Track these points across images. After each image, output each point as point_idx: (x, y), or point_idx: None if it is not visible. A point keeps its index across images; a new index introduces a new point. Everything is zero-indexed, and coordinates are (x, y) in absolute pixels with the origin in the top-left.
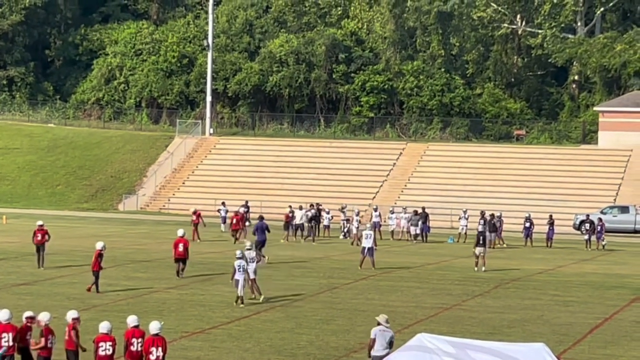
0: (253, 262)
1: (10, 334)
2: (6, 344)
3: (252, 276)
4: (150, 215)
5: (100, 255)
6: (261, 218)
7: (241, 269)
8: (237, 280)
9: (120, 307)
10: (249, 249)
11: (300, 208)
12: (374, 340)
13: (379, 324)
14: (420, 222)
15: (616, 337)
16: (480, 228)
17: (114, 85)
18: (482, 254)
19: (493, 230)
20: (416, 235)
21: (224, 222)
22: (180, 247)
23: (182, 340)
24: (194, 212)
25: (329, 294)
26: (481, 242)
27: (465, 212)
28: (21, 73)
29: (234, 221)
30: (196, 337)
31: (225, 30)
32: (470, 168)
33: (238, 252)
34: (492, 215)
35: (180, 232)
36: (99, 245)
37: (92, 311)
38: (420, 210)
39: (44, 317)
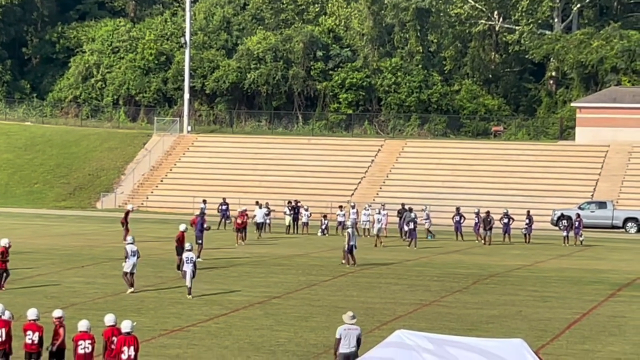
0: (134, 256)
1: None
2: None
3: (127, 270)
4: (133, 211)
5: (3, 252)
6: (202, 214)
7: (189, 261)
8: (185, 272)
9: (99, 305)
10: (131, 243)
11: (260, 206)
12: (339, 340)
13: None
14: (413, 221)
15: (594, 332)
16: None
17: (91, 83)
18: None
19: (488, 227)
20: (409, 233)
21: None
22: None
23: (161, 338)
24: (129, 212)
25: (307, 291)
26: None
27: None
28: None
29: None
30: (175, 335)
31: (202, 28)
32: (448, 164)
33: (187, 245)
34: (488, 213)
35: (182, 227)
36: (3, 241)
37: (71, 309)
38: (406, 207)
39: None
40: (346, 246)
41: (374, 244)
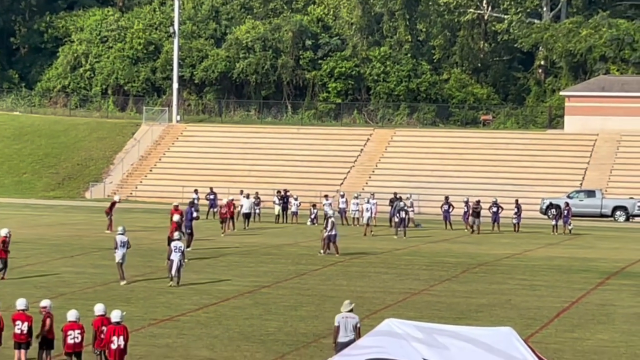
0: (123, 246)
1: None
2: None
3: (118, 260)
4: (119, 202)
5: (4, 242)
6: (190, 204)
7: (177, 250)
8: (172, 261)
9: (88, 295)
10: (121, 233)
11: (247, 197)
12: (337, 327)
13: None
14: (403, 210)
15: (583, 320)
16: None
17: (79, 72)
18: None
19: (477, 216)
20: (402, 222)
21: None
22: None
23: (151, 327)
24: (115, 203)
25: (297, 280)
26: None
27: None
28: None
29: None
30: (164, 325)
31: (191, 17)
32: (437, 153)
33: (176, 234)
34: (478, 201)
35: (176, 218)
36: (3, 231)
37: (60, 299)
38: (398, 196)
39: None
40: (327, 235)
41: (363, 233)
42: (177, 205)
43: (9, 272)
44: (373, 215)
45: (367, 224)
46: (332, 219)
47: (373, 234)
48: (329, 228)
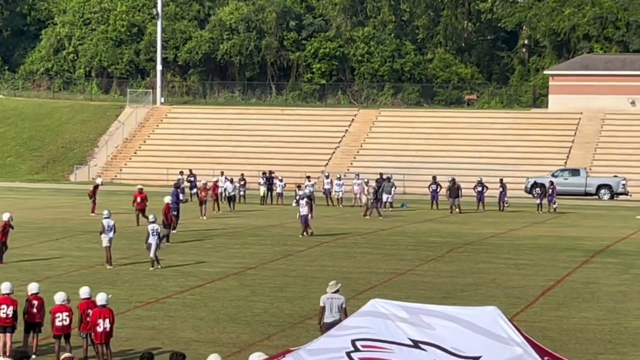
0: (111, 231)
1: None
2: None
3: (106, 244)
4: (102, 185)
5: (5, 226)
6: (176, 186)
7: (154, 233)
8: (150, 244)
9: (73, 278)
10: (107, 217)
11: (231, 181)
12: (323, 308)
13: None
14: (392, 189)
15: (568, 298)
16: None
17: (63, 55)
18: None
19: (455, 195)
20: (391, 204)
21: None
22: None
23: (137, 310)
24: (98, 185)
25: (283, 262)
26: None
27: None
28: None
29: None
30: (150, 307)
31: None
32: (422, 133)
33: (151, 217)
34: (454, 180)
35: (167, 199)
36: (5, 216)
37: (46, 282)
38: (386, 176)
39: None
40: (301, 217)
41: (363, 214)
42: (141, 189)
43: None
44: (358, 195)
45: (366, 206)
46: (305, 199)
47: (365, 217)
48: (303, 209)
